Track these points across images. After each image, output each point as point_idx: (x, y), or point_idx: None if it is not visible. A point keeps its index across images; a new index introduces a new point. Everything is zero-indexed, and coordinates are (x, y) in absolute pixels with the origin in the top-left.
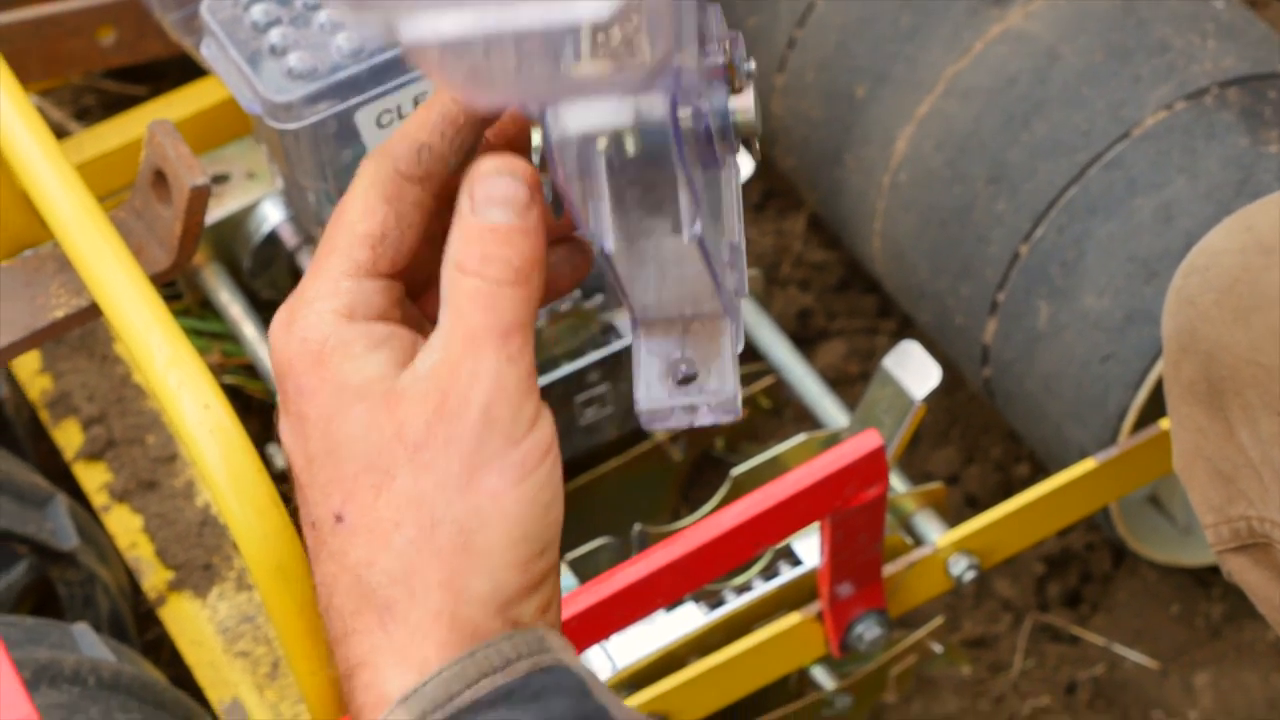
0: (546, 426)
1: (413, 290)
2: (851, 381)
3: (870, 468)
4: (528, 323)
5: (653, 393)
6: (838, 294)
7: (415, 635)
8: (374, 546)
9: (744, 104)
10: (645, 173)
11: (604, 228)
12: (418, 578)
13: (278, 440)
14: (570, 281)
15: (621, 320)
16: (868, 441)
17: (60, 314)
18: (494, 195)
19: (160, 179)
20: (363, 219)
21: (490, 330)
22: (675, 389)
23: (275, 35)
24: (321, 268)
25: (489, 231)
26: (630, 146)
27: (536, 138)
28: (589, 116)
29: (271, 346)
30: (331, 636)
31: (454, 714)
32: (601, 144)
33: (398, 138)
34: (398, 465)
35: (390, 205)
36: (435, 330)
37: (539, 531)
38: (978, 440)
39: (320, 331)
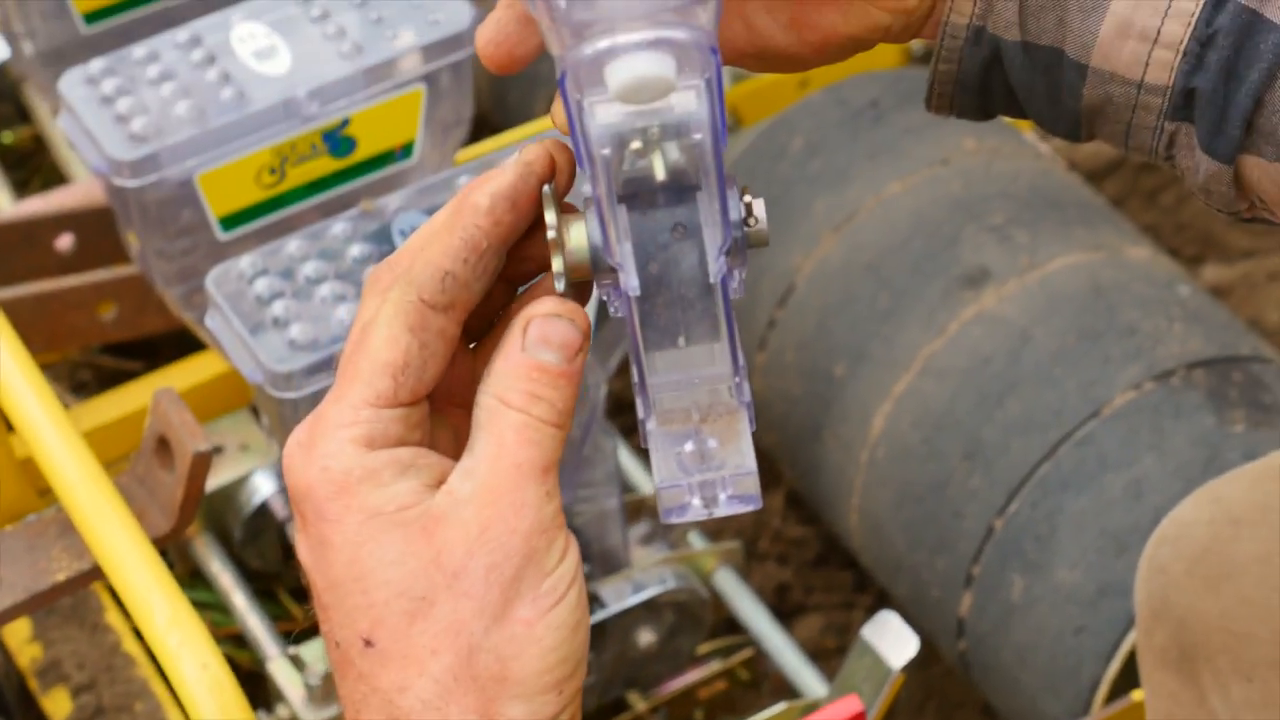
0: (574, 555)
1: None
2: (829, 656)
3: None
4: (559, 459)
5: (669, 471)
6: (815, 569)
7: None
8: (408, 673)
9: (758, 213)
10: (673, 207)
11: (627, 256)
12: (454, 706)
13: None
14: None
15: (606, 589)
16: (848, 707)
17: (61, 577)
18: (550, 336)
19: (163, 445)
20: (386, 347)
21: (534, 465)
22: (692, 466)
23: (278, 308)
24: (343, 394)
25: (538, 370)
26: (661, 164)
27: (551, 217)
28: (637, 65)
29: (288, 467)
30: None
31: None
32: (635, 145)
33: (421, 265)
34: (436, 592)
35: (414, 334)
36: (469, 453)
37: (571, 652)
38: (953, 715)
39: (342, 462)
